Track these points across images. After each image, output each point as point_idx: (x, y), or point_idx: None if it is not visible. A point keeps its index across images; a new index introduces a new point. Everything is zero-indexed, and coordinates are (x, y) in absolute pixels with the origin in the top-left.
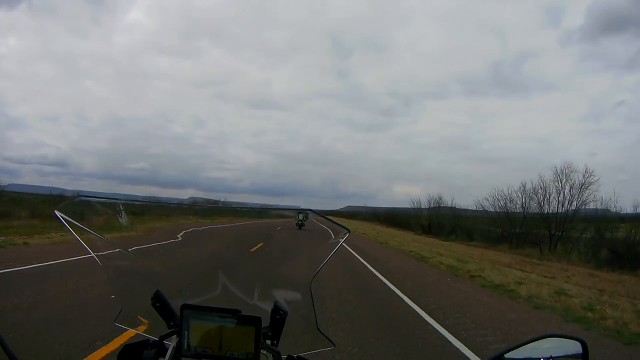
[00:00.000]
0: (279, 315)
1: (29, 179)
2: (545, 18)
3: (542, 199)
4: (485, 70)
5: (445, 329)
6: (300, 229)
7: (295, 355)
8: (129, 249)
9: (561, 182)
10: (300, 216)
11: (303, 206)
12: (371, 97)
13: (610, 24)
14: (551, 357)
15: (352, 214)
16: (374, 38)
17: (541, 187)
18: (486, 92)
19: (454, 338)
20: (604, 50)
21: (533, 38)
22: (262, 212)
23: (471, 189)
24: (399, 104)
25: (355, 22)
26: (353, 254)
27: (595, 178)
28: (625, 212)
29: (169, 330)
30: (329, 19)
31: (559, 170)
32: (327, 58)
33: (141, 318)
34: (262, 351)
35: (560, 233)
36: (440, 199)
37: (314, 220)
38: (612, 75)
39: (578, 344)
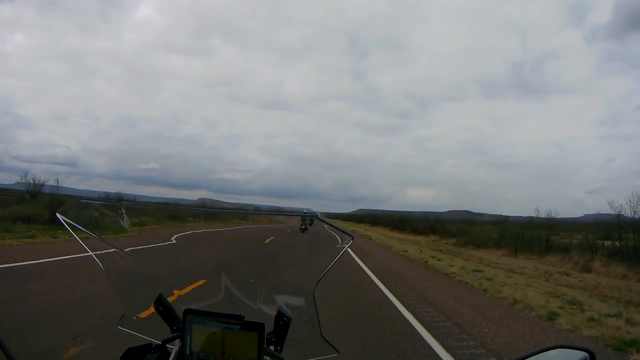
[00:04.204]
0: (282, 321)
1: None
2: (570, 15)
3: None
4: (504, 71)
5: None
6: (303, 232)
7: None
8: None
9: None
10: (305, 222)
11: (314, 209)
12: (387, 99)
13: (638, 20)
14: None
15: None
16: (392, 38)
17: None
18: (504, 94)
19: None
20: (627, 51)
21: (556, 37)
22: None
23: (485, 194)
24: (414, 106)
25: (373, 21)
26: None
27: None
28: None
29: (172, 335)
30: (346, 17)
31: None
32: (343, 58)
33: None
34: (265, 357)
35: None
36: None
37: (328, 229)
38: (634, 77)
39: (586, 354)
